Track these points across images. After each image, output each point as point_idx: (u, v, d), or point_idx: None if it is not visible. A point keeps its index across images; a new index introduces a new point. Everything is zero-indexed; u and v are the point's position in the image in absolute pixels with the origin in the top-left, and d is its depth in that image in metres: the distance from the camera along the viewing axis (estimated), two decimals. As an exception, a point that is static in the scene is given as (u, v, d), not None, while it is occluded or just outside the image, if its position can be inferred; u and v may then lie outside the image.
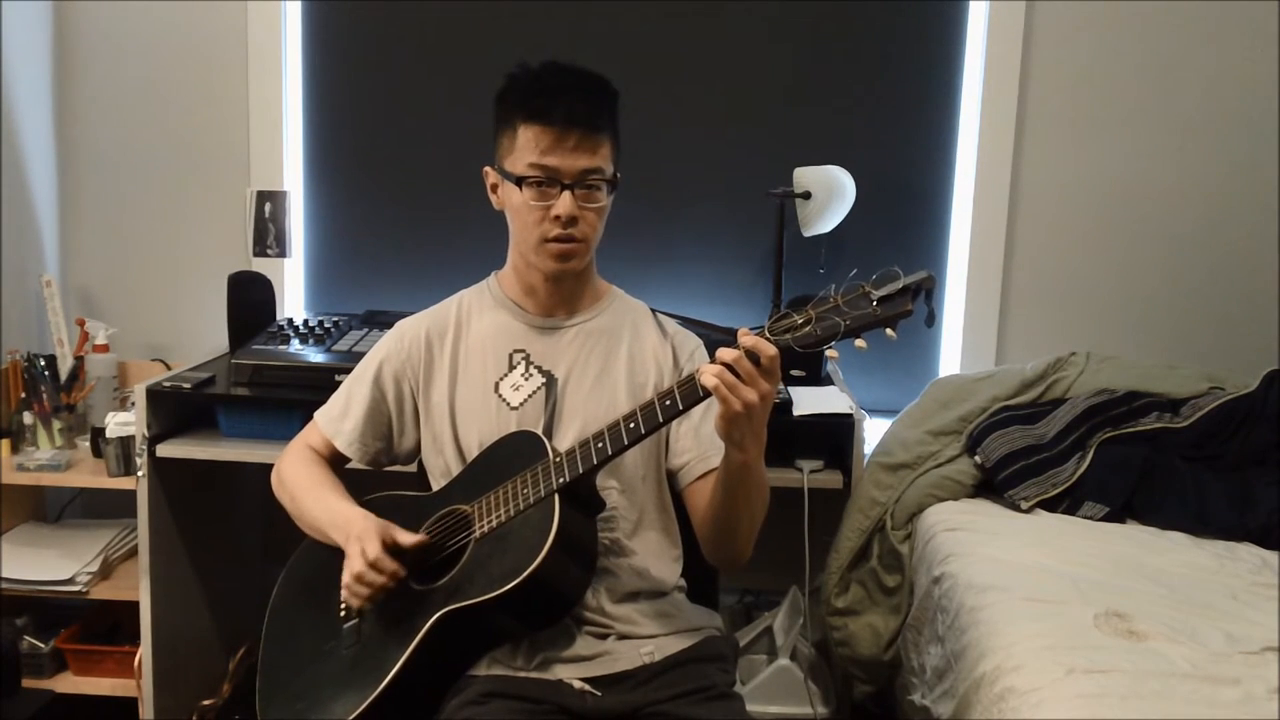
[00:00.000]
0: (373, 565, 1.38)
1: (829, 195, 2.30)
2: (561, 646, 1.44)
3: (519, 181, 1.45)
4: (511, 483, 1.42)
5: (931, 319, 1.23)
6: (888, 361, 2.53)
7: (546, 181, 1.44)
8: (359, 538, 1.41)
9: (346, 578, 1.40)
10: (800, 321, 1.25)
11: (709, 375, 1.26)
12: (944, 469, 2.04)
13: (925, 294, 1.21)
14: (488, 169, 1.53)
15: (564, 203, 1.43)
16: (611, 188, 1.48)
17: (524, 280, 1.56)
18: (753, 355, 1.24)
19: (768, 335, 1.26)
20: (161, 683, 2.22)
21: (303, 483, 1.57)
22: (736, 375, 1.25)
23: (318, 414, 1.64)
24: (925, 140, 2.50)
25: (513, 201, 1.48)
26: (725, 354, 1.26)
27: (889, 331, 1.22)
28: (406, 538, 1.42)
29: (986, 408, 2.10)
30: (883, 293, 1.21)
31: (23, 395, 2.37)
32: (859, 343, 1.23)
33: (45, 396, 2.35)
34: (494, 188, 1.53)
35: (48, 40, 2.56)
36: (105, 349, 2.46)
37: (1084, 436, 2.04)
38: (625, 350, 1.56)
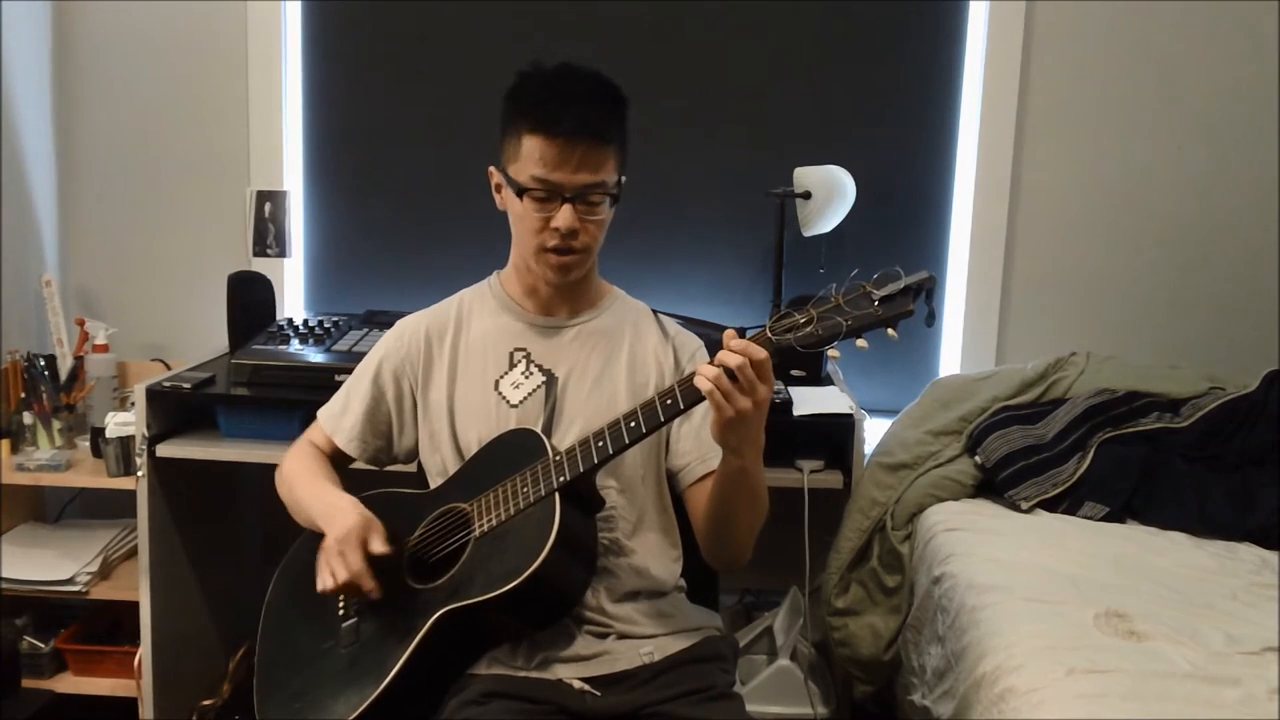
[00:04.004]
0: (353, 578, 1.37)
1: (829, 195, 2.30)
2: (561, 646, 1.44)
3: (520, 192, 1.44)
4: (511, 481, 1.42)
5: (932, 319, 1.23)
6: (888, 361, 2.53)
7: (547, 195, 1.43)
8: (340, 548, 1.39)
9: (332, 583, 1.39)
10: (802, 321, 1.25)
11: (703, 379, 1.26)
12: (944, 469, 2.04)
13: (926, 294, 1.22)
14: (492, 169, 1.52)
15: (564, 216, 1.42)
16: (614, 199, 1.47)
17: (525, 280, 1.56)
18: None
19: (769, 335, 1.26)
20: (161, 683, 2.22)
21: (300, 474, 1.57)
22: (732, 380, 1.24)
23: (320, 411, 1.64)
24: (925, 140, 2.50)
25: (514, 208, 1.47)
26: (721, 359, 1.25)
27: (890, 331, 1.23)
28: (380, 547, 1.40)
29: (986, 408, 2.10)
30: (884, 292, 1.22)
31: (22, 395, 2.37)
32: (860, 342, 1.24)
33: (45, 396, 2.35)
34: (498, 188, 1.52)
35: (48, 40, 2.55)
36: (105, 349, 2.46)
37: (1084, 436, 2.03)
38: (626, 351, 1.55)
